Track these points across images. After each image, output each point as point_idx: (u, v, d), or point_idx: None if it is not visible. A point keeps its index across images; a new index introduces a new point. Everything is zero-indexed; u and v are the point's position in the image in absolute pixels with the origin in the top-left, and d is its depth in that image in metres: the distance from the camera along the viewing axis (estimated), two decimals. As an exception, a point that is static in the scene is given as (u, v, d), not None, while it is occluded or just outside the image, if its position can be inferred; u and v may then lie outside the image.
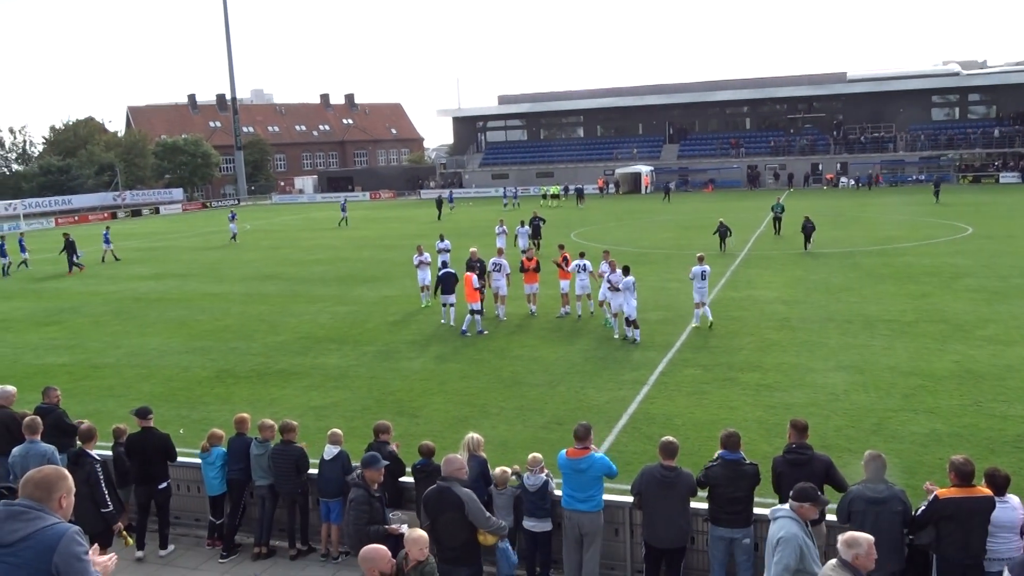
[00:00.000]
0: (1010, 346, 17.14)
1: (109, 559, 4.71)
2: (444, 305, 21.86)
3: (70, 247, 36.37)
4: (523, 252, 25.56)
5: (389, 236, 46.95)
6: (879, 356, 16.86)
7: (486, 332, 20.58)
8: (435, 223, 50.52)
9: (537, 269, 22.45)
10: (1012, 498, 7.19)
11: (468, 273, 20.81)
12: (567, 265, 22.08)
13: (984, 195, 58.38)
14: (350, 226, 54.59)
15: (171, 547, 10.14)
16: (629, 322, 19.04)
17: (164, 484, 10.05)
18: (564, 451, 8.48)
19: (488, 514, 7.76)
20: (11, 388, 11.07)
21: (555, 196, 69.07)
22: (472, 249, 22.31)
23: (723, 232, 34.46)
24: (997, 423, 12.81)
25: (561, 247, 23.33)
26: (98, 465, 9.02)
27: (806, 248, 33.31)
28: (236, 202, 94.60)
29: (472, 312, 20.53)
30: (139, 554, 9.94)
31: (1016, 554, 7.19)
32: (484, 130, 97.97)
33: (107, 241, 40.96)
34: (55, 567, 4.07)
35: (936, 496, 7.10)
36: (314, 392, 16.30)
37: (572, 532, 8.46)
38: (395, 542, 7.87)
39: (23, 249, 39.35)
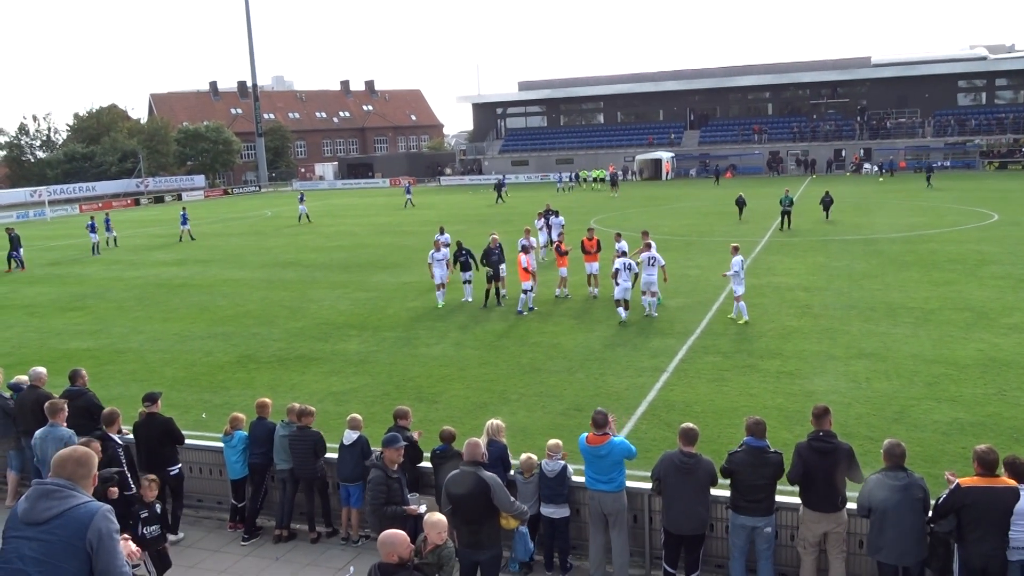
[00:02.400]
0: (1036, 334, 16.92)
1: (137, 549, 4.81)
2: (465, 283, 22.99)
3: (14, 241, 35.04)
4: (554, 240, 26.38)
5: (409, 223, 47.03)
6: (902, 344, 16.70)
7: (536, 309, 21.51)
8: (493, 206, 54.50)
9: (567, 253, 23.18)
10: None
11: (520, 254, 21.77)
12: (598, 249, 22.66)
13: (1011, 181, 57.50)
14: (415, 207, 57.76)
15: (181, 534, 10.13)
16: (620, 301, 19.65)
17: (175, 469, 10.05)
18: (584, 436, 8.52)
19: (512, 498, 7.84)
20: (42, 369, 11.27)
21: (599, 180, 70.37)
22: (494, 236, 22.94)
23: (741, 203, 40.20)
24: (1021, 412, 12.66)
25: (591, 230, 23.58)
26: (120, 448, 9.16)
27: (826, 217, 37.96)
28: (256, 188, 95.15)
29: (525, 292, 21.28)
30: (172, 538, 10.02)
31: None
32: (504, 116, 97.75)
33: (184, 222, 43.73)
34: (89, 543, 4.13)
35: (958, 485, 7.03)
36: (334, 378, 16.41)
37: (595, 512, 8.52)
38: (414, 523, 7.96)
39: (109, 229, 42.04)
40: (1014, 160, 71.44)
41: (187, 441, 11.19)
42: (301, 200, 52.67)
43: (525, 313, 21.13)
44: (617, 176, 68.08)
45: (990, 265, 24.94)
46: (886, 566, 7.36)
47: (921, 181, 57.20)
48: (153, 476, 8.88)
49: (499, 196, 59.19)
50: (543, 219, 30.74)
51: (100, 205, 77.15)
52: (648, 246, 20.15)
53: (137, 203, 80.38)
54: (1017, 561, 7.12)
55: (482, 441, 9.01)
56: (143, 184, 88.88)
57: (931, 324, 18.18)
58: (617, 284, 19.62)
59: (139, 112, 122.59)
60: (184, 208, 47.17)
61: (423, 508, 8.20)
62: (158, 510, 8.58)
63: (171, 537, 9.99)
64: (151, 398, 10.16)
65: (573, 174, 72.30)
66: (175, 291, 27.46)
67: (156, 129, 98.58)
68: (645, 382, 15.07)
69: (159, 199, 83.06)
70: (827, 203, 38.56)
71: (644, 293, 20.24)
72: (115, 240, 42.28)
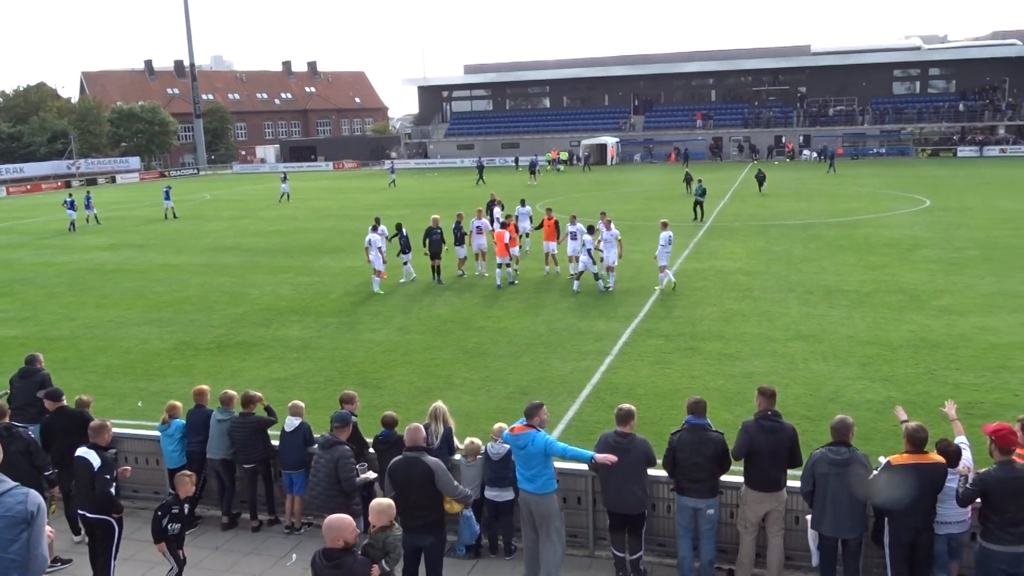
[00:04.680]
0: (964, 316, 17.51)
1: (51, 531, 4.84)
2: (405, 264, 23.69)
3: None
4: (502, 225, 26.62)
5: (352, 207, 46.47)
6: (838, 326, 17.12)
7: (516, 283, 22.79)
8: (475, 187, 54.59)
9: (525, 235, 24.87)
10: (964, 460, 7.40)
11: (500, 231, 22.83)
12: (555, 227, 23.66)
13: (943, 168, 59.30)
14: (397, 187, 59.02)
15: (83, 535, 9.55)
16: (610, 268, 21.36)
17: None
18: (509, 427, 8.24)
19: (456, 482, 7.84)
20: None
21: (562, 162, 74.11)
22: (435, 217, 23.34)
23: (688, 178, 44.05)
24: (949, 391, 13.07)
25: (549, 210, 24.32)
26: (31, 431, 9.04)
27: (760, 190, 43.39)
28: (194, 171, 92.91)
29: (501, 265, 22.61)
30: (77, 539, 9.60)
31: (965, 517, 7.41)
32: (450, 100, 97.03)
33: (167, 198, 44.32)
34: (30, 514, 4.33)
35: (889, 462, 7.25)
36: (276, 364, 16.15)
37: (524, 511, 8.28)
38: (363, 507, 8.03)
39: (90, 206, 42.11)
40: (946, 148, 73.69)
41: (124, 431, 10.95)
42: (284, 179, 53.52)
43: (503, 287, 22.23)
44: (585, 157, 70.97)
45: (922, 249, 25.70)
46: (826, 538, 7.56)
47: (844, 167, 59.14)
48: (190, 473, 8.60)
49: (480, 178, 60.19)
50: (494, 206, 29.91)
51: (29, 188, 74.67)
52: (609, 224, 21.55)
53: (68, 185, 77.69)
54: (944, 535, 7.40)
55: (432, 425, 9.00)
56: (74, 166, 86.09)
57: (866, 306, 18.66)
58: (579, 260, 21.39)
59: (70, 91, 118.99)
60: (168, 186, 47.44)
61: (373, 474, 8.44)
62: (184, 510, 8.32)
63: (75, 538, 9.60)
64: (55, 395, 9.80)
65: (537, 157, 73.33)
66: (109, 276, 26.69)
67: (88, 109, 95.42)
68: (589, 365, 15.18)
69: (92, 181, 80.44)
70: (760, 178, 44.55)
71: (609, 269, 21.57)
72: (96, 218, 42.03)
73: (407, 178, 68.13)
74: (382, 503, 6.69)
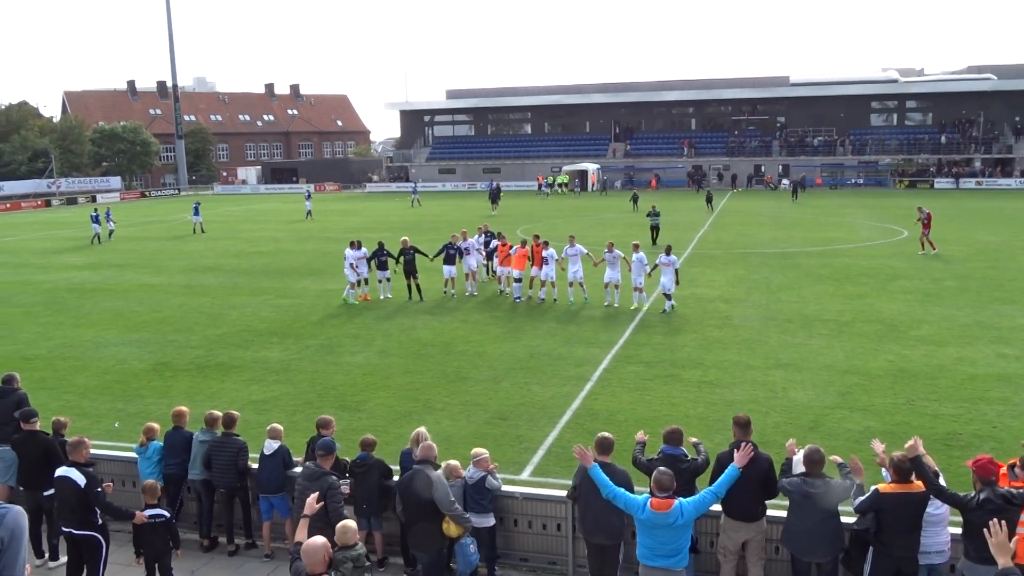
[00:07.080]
0: (942, 346, 17.68)
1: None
2: (380, 281, 24.76)
3: None
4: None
5: (333, 229, 46.38)
6: (817, 355, 17.23)
7: (522, 299, 23.68)
8: (485, 214, 52.59)
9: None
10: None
11: (523, 248, 23.75)
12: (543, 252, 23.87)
13: (919, 200, 60.02)
14: (421, 206, 61.06)
15: (63, 558, 9.34)
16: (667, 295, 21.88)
17: (51, 491, 9.20)
18: (647, 501, 7.19)
19: (453, 500, 7.93)
20: None
21: (563, 184, 75.55)
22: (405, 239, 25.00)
23: (635, 197, 52.37)
24: (928, 421, 13.20)
25: (536, 236, 24.57)
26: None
27: (708, 207, 51.11)
28: (175, 191, 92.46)
29: (518, 280, 23.81)
30: (37, 562, 9.45)
31: (944, 547, 7.47)
32: (432, 124, 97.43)
33: (196, 213, 46.47)
34: (2, 541, 4.15)
35: (877, 490, 7.31)
36: (255, 386, 16.02)
37: None
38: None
39: (109, 220, 43.88)
40: (923, 179, 74.82)
41: (100, 452, 10.80)
42: (308, 197, 56.73)
43: (522, 299, 23.56)
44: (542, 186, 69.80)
45: (900, 280, 25.98)
46: (800, 562, 7.61)
47: (814, 196, 60.05)
48: (151, 482, 8.96)
49: (494, 203, 55.87)
50: (483, 235, 28.86)
51: (9, 206, 73.87)
52: (610, 246, 22.75)
53: (48, 204, 77.10)
54: (924, 565, 7.44)
55: (414, 450, 9.00)
56: (55, 185, 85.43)
57: (844, 336, 18.81)
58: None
59: (52, 110, 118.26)
60: (198, 202, 49.08)
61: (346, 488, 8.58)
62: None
63: (50, 564, 9.49)
64: (27, 416, 9.66)
65: (546, 182, 74.24)
66: (88, 296, 26.43)
67: (70, 128, 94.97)
68: (570, 391, 15.17)
69: (72, 200, 79.80)
70: (709, 198, 52.34)
71: (607, 285, 22.79)
72: (111, 233, 43.55)
73: (385, 201, 68.20)
74: (346, 523, 6.82)
